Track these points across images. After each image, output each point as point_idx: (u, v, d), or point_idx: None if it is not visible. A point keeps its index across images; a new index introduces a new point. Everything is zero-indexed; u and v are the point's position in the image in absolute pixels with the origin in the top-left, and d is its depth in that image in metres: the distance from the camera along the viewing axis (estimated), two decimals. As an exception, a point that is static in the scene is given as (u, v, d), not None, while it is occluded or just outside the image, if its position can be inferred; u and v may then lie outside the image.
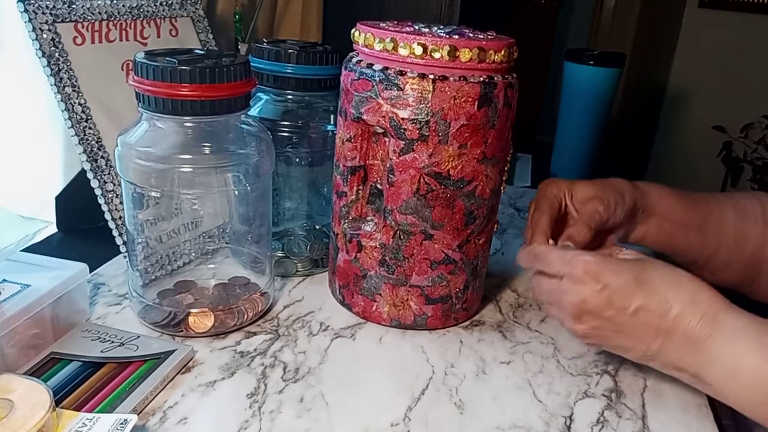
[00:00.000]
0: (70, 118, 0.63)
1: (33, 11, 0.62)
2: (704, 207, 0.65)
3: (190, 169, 0.55)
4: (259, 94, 0.68)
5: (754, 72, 2.73)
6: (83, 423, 0.41)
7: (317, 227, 0.75)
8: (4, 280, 0.52)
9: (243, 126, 0.58)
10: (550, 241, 0.57)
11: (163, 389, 0.50)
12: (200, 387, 0.51)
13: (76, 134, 0.64)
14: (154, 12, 0.74)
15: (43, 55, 0.62)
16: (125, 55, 0.70)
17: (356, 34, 0.56)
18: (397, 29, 0.54)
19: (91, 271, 0.58)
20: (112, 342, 0.53)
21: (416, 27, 0.57)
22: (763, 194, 0.68)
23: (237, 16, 1.02)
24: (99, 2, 0.68)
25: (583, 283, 0.50)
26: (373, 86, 0.54)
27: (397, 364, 0.57)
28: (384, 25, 0.57)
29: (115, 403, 0.46)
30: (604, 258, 0.51)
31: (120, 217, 0.65)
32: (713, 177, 2.79)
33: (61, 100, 0.63)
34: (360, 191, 0.60)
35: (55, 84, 0.62)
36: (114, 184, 0.66)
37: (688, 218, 0.64)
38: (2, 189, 0.77)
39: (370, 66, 0.55)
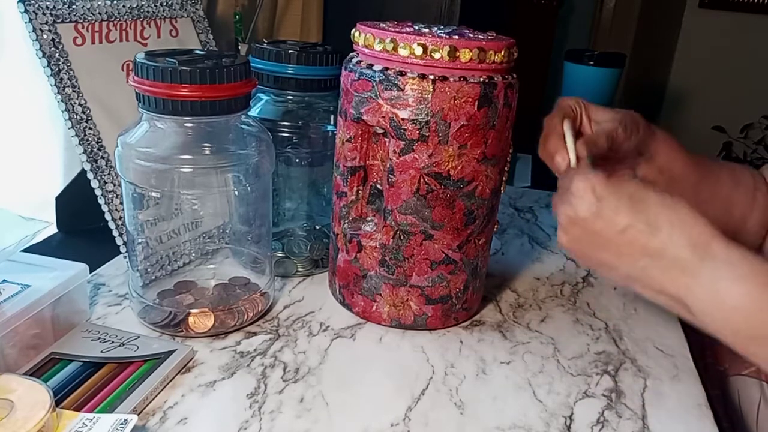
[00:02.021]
0: (70, 119, 0.63)
1: (33, 12, 0.62)
2: (703, 168, 0.64)
3: (190, 170, 0.55)
4: (259, 94, 0.68)
5: (754, 72, 2.73)
6: (83, 423, 0.41)
7: (317, 227, 0.75)
8: (4, 281, 0.52)
9: (243, 126, 0.58)
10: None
11: (163, 389, 0.50)
12: (200, 387, 0.51)
13: (76, 134, 0.64)
14: (154, 12, 0.74)
15: (43, 56, 0.62)
16: (125, 56, 0.70)
17: (356, 34, 0.56)
18: (397, 29, 0.54)
19: (91, 272, 0.58)
20: (112, 342, 0.53)
21: (416, 27, 0.57)
22: (754, 169, 0.67)
23: (237, 17, 1.02)
24: (99, 3, 0.68)
25: (580, 197, 0.49)
26: (373, 87, 0.54)
27: (397, 364, 0.57)
28: (384, 25, 0.57)
29: (115, 404, 0.46)
30: (605, 175, 0.50)
31: (120, 218, 0.65)
32: (713, 177, 2.78)
33: (62, 101, 0.63)
34: (360, 191, 0.60)
35: (55, 84, 0.63)
36: (114, 185, 0.66)
37: (686, 175, 0.63)
38: (2, 189, 0.77)
39: (370, 66, 0.55)
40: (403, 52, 0.52)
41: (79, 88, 0.65)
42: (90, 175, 0.64)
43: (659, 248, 0.47)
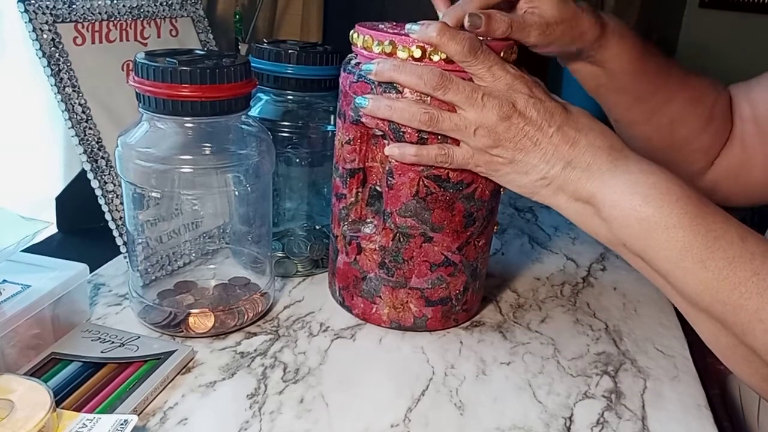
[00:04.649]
0: (70, 119, 0.63)
1: (33, 11, 0.62)
2: (658, 81, 0.61)
3: (191, 170, 0.55)
4: (259, 94, 0.68)
5: (754, 72, 2.72)
6: (83, 423, 0.41)
7: (317, 228, 0.75)
8: (4, 281, 0.52)
9: (243, 126, 0.58)
10: None
11: (163, 390, 0.50)
12: (200, 387, 0.51)
13: (76, 134, 0.64)
14: (154, 12, 0.74)
15: (43, 56, 0.62)
16: (125, 56, 0.70)
17: (354, 36, 0.56)
18: (395, 31, 0.54)
19: (91, 272, 0.58)
20: (113, 342, 0.53)
21: (416, 28, 0.57)
22: (723, 87, 0.66)
23: (237, 16, 1.02)
24: (99, 2, 0.68)
25: (522, 83, 0.49)
26: (371, 89, 0.54)
27: (397, 365, 0.57)
28: (383, 26, 0.57)
29: (115, 404, 0.46)
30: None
31: (120, 218, 0.65)
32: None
33: (62, 101, 0.63)
34: (359, 193, 0.60)
35: (55, 84, 0.63)
36: (114, 185, 0.66)
37: (632, 86, 0.61)
38: (2, 189, 0.77)
39: (370, 67, 0.55)
40: (401, 54, 0.52)
41: (79, 88, 0.65)
42: (90, 175, 0.64)
43: (582, 150, 0.48)
